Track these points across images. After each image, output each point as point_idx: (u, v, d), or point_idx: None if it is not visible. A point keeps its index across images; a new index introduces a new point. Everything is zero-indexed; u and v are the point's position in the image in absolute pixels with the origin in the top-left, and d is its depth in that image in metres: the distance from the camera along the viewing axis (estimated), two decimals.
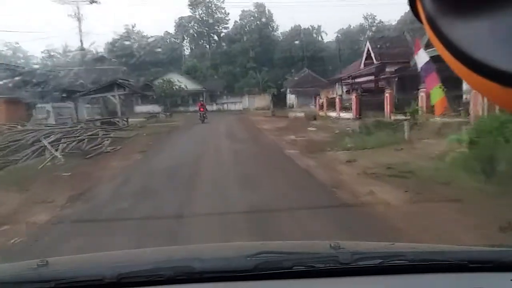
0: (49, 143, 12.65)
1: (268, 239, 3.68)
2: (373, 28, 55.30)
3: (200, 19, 56.75)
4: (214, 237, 4.25)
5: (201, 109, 26.88)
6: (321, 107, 28.14)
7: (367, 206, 5.41)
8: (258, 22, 54.63)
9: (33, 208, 5.95)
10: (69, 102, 24.01)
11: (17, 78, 22.03)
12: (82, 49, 33.58)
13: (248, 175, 7.99)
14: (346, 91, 27.35)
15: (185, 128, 22.35)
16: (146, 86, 39.92)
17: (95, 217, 5.54)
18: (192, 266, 1.23)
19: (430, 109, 12.64)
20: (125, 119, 23.15)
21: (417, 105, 14.01)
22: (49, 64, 42.61)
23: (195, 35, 57.50)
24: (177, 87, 39.82)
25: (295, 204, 5.76)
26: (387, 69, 22.58)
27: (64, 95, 25.21)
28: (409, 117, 12.54)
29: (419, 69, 10.23)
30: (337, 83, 29.49)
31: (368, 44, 24.38)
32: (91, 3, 31.61)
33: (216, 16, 56.68)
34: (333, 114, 24.89)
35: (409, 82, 20.06)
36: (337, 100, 24.88)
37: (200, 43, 58.26)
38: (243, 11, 55.18)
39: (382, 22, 55.17)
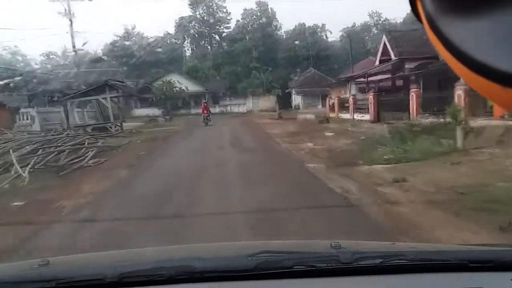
0: (21, 155, 10.60)
1: None
2: (378, 26, 53.62)
3: (201, 18, 56.18)
4: None
5: (205, 111, 25.02)
6: (332, 108, 26.16)
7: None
8: (260, 21, 53.81)
9: None
10: (57, 106, 21.96)
11: (0, 82, 20.05)
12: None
13: (264, 210, 5.41)
14: (360, 91, 25.35)
15: (185, 133, 20.08)
16: (145, 88, 38.17)
17: None
18: (193, 266, 1.22)
19: (468, 109, 10.68)
20: (118, 124, 20.97)
21: (453, 105, 11.87)
22: (49, 66, 41.03)
23: (196, 35, 56.74)
24: (177, 88, 37.71)
25: None
26: (406, 66, 20.58)
27: (55, 98, 23.33)
28: (452, 120, 10.35)
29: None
30: (349, 82, 27.41)
31: (384, 38, 22.22)
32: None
33: (217, 15, 56.16)
34: (346, 116, 23.02)
35: (432, 79, 18.09)
36: (351, 100, 22.89)
37: (201, 43, 57.40)
38: (245, 9, 54.40)
39: (388, 19, 53.40)
